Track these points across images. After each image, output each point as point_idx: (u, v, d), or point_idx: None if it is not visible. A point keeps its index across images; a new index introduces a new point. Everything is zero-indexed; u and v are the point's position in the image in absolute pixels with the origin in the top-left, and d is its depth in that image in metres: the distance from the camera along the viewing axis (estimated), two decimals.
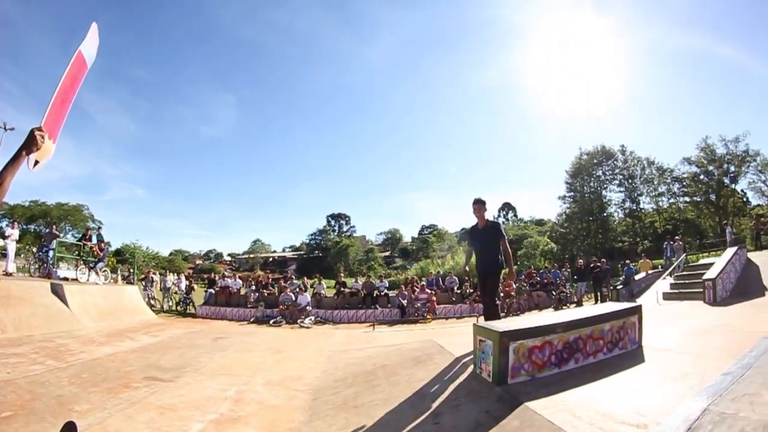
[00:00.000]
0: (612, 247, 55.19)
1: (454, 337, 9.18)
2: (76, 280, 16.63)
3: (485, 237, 7.07)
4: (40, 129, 2.44)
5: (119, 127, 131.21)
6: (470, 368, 5.53)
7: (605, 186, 60.91)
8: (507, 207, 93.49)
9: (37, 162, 2.65)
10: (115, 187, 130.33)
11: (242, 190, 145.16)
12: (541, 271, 23.46)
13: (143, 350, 10.39)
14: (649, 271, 22.41)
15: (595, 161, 60.51)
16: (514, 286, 19.80)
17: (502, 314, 17.90)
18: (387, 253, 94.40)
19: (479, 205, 7.11)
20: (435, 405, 4.79)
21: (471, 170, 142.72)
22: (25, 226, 57.01)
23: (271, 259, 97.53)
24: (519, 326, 5.21)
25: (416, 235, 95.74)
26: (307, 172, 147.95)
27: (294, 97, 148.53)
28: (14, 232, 17.43)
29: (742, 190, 54.22)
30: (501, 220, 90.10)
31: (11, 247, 16.76)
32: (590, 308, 9.15)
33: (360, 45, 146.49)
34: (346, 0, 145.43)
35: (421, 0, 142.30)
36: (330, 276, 40.30)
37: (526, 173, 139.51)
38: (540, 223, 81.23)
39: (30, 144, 2.42)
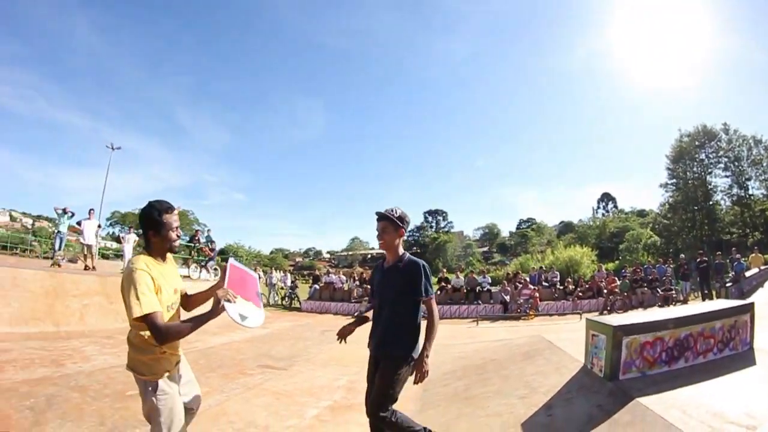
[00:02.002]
0: (719, 240, 49.76)
1: (561, 333, 9.21)
2: (188, 276, 18.15)
3: (389, 286, 3.77)
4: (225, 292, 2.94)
5: (214, 138, 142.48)
6: (581, 364, 5.53)
7: (709, 171, 55.30)
8: (606, 198, 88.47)
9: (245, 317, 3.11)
10: (214, 192, 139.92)
11: (337, 190, 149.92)
12: (646, 266, 22.04)
13: (254, 341, 11.16)
14: (762, 267, 20.31)
15: (696, 143, 54.93)
16: (618, 281, 19.30)
17: (605, 312, 17.84)
18: (485, 249, 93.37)
19: (384, 222, 3.80)
20: (547, 398, 4.89)
21: (569, 160, 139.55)
22: (136, 232, 60.03)
23: (369, 256, 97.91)
24: (632, 321, 5.20)
25: (514, 230, 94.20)
26: (401, 169, 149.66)
27: (381, 95, 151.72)
28: (130, 236, 19.04)
29: None
30: (600, 212, 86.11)
31: (128, 249, 18.43)
32: (700, 305, 8.92)
33: (439, 39, 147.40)
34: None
35: None
36: None
37: (626, 160, 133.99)
38: (642, 214, 76.85)
39: (216, 310, 2.92)
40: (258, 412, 5.56)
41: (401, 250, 3.83)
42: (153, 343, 2.84)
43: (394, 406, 3.67)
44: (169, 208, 2.96)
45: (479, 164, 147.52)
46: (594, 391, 4.64)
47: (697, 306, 7.87)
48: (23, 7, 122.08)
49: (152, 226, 2.92)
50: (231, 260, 3.40)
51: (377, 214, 3.83)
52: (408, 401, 5.89)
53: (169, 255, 3.09)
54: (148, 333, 2.79)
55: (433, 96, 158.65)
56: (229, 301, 2.93)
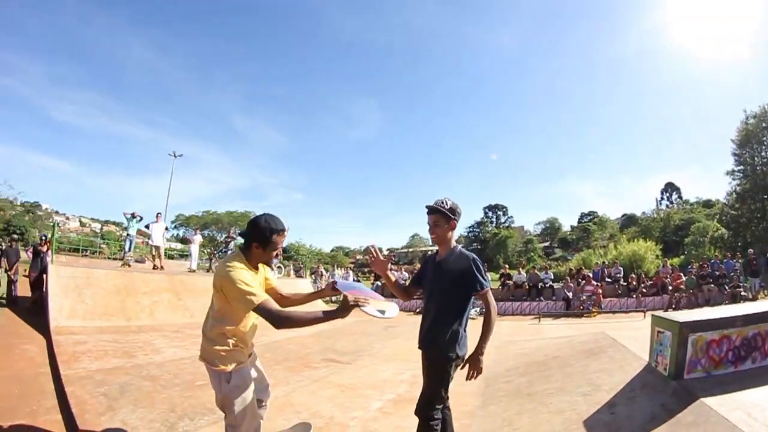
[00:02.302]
0: None
1: (625, 330, 9.12)
2: None
3: (440, 280, 3.62)
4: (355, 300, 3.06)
5: (271, 140, 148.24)
6: (645, 362, 5.48)
7: None
8: (670, 188, 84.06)
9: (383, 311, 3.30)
10: (274, 193, 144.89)
11: (395, 187, 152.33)
12: (713, 261, 20.92)
13: (319, 335, 11.51)
14: None
15: (763, 125, 47.58)
16: (684, 278, 18.76)
17: (669, 309, 17.14)
18: (546, 244, 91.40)
19: (435, 215, 3.67)
20: (610, 396, 4.88)
21: (630, 150, 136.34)
22: (202, 233, 62.04)
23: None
24: (699, 317, 5.07)
25: (575, 224, 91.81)
26: (459, 163, 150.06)
27: (435, 91, 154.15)
28: (197, 238, 20.36)
29: None
30: (664, 204, 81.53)
31: (194, 249, 19.58)
32: None
33: (492, 30, 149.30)
34: None
35: None
36: (490, 268, 40.27)
37: (690, 147, 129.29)
38: (708, 204, 72.02)
39: (345, 311, 3.05)
40: (323, 404, 5.75)
41: (453, 243, 3.73)
42: (228, 336, 3.07)
43: (452, 402, 3.68)
44: (282, 231, 3.17)
45: (536, 157, 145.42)
46: (658, 390, 4.60)
47: (766, 303, 7.51)
48: (79, 33, 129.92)
49: (260, 241, 3.10)
50: (336, 280, 3.62)
51: (427, 207, 3.69)
52: (470, 396, 6.00)
53: (260, 265, 3.31)
54: (224, 327, 3.07)
55: (489, 89, 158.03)
56: (363, 305, 3.09)
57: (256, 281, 3.08)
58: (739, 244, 40.72)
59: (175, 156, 50.07)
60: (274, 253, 3.20)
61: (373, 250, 3.82)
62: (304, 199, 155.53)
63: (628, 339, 7.25)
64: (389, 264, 3.93)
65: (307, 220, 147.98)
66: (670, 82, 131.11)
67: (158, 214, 18.16)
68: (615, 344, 7.16)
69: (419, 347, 3.65)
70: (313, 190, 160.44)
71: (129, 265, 16.68)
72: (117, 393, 5.50)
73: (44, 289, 10.50)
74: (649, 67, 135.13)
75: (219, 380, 3.05)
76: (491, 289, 3.69)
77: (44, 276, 10.99)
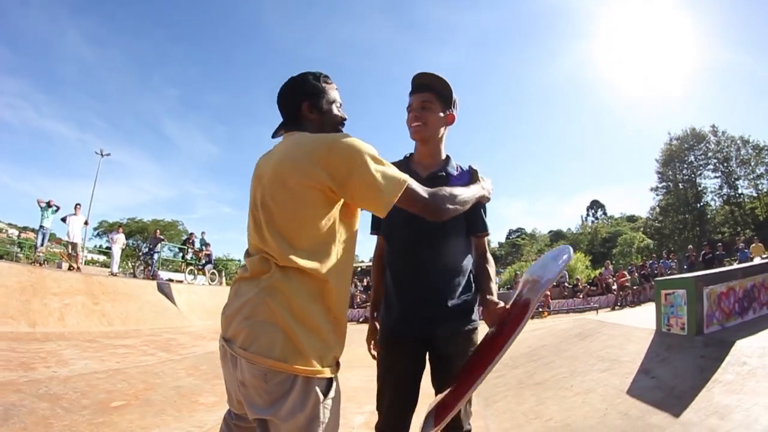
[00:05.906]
0: (711, 240, 45.91)
1: (603, 315, 9.16)
2: (182, 281, 17.98)
3: None
4: None
5: (202, 150, 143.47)
6: (650, 331, 5.43)
7: (699, 172, 54.61)
8: (596, 205, 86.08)
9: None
10: (202, 205, 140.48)
11: None
12: (651, 262, 22.34)
13: None
14: (763, 256, 19.53)
15: (685, 146, 54.68)
16: (628, 276, 19.35)
17: (616, 306, 17.88)
18: None
19: (429, 93, 2.15)
20: (637, 366, 4.71)
21: (557, 170, 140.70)
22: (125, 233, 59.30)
23: (359, 269, 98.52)
24: (706, 271, 5.18)
25: (503, 240, 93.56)
26: None
27: (370, 106, 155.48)
28: (120, 237, 18.50)
29: None
30: (590, 220, 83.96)
31: (116, 250, 18.13)
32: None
33: (429, 50, 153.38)
34: (403, 5, 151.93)
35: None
36: None
37: (615, 167, 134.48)
38: (632, 219, 76.19)
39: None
40: None
41: (444, 152, 2.31)
42: (332, 308, 1.70)
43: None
44: (327, 77, 1.99)
45: None
46: (686, 347, 4.56)
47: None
48: (14, 16, 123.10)
49: (308, 95, 1.93)
50: None
51: (418, 77, 2.18)
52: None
53: None
54: (325, 288, 1.66)
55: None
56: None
57: None
58: (663, 252, 42.42)
59: (102, 155, 47.02)
60: (336, 110, 1.96)
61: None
62: (233, 212, 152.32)
63: (616, 319, 7.25)
64: None
65: (235, 234, 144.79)
66: (596, 108, 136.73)
67: (77, 205, 16.48)
68: (605, 324, 7.06)
69: (413, 333, 2.20)
70: (243, 203, 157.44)
71: (40, 264, 14.97)
72: None
73: None
74: (577, 94, 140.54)
75: (305, 390, 1.57)
76: None
77: None
